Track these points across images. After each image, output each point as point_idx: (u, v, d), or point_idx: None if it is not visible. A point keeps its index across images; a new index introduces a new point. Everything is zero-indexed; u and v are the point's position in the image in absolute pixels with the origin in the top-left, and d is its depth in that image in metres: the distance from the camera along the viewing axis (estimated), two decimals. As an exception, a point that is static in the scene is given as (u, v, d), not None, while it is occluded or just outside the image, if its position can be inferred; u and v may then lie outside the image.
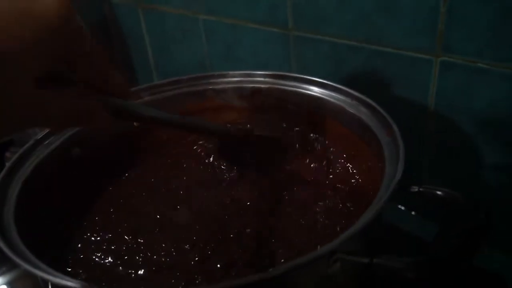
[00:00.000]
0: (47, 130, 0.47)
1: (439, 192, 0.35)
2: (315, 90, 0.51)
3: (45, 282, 0.33)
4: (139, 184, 0.52)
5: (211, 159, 0.54)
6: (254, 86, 0.55)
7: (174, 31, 0.81)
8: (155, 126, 0.54)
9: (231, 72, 0.57)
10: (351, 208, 0.43)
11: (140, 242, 0.42)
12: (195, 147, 0.57)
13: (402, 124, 0.41)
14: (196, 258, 0.39)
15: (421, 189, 0.35)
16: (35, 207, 0.40)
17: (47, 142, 0.46)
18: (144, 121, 0.40)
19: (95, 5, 0.95)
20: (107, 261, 0.41)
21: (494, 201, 0.50)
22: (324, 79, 0.52)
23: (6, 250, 0.32)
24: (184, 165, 0.55)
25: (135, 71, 0.97)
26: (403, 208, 0.54)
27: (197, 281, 0.37)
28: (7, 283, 0.54)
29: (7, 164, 0.42)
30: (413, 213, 0.54)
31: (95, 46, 0.29)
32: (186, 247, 0.41)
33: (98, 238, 0.44)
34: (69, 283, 0.30)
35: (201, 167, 0.54)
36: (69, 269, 0.40)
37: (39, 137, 0.46)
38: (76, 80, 0.29)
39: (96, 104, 0.30)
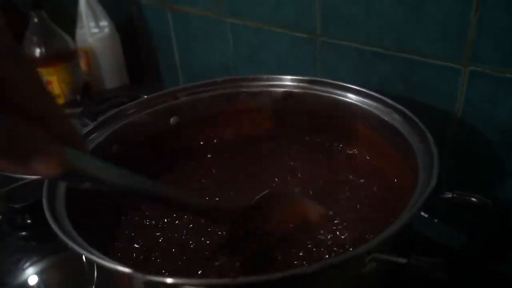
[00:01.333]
0: (91, 126, 0.49)
1: (473, 199, 0.36)
2: (348, 96, 0.52)
3: (91, 264, 0.34)
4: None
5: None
6: (286, 91, 0.56)
7: (200, 33, 0.83)
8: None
9: (265, 76, 0.58)
10: (381, 214, 0.44)
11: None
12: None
13: (429, 131, 0.42)
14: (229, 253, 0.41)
15: (454, 195, 0.36)
16: (84, 196, 0.42)
17: (90, 138, 0.48)
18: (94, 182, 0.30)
19: (123, 6, 0.97)
20: (152, 252, 0.42)
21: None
22: (356, 86, 0.52)
23: (59, 232, 0.34)
24: (213, 171, 0.55)
25: (161, 71, 0.99)
26: (426, 215, 0.55)
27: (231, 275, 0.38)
28: (38, 273, 0.55)
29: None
30: (436, 220, 0.55)
31: (32, 70, 0.24)
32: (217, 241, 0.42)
33: (143, 228, 0.45)
34: (118, 267, 0.31)
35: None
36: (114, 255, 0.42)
37: (83, 133, 0.48)
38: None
39: (44, 139, 0.24)
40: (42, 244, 0.59)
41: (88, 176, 0.28)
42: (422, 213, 0.55)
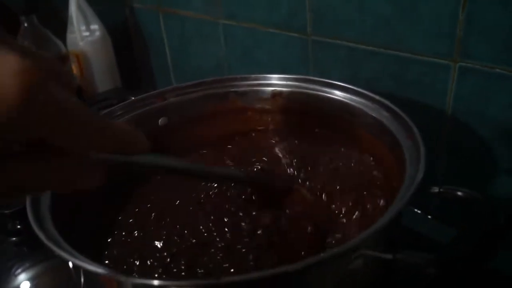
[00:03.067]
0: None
1: (459, 193, 0.36)
2: (337, 94, 0.52)
3: (78, 269, 0.34)
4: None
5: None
6: (275, 89, 0.56)
7: (193, 35, 0.83)
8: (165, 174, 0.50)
9: (253, 75, 0.58)
10: (370, 209, 0.44)
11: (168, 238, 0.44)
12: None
13: (419, 127, 0.42)
14: (220, 255, 0.40)
15: (441, 190, 0.36)
16: (69, 200, 0.41)
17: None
18: (153, 169, 0.36)
19: (116, 9, 0.97)
20: (138, 254, 0.42)
21: (509, 205, 0.51)
22: (343, 83, 0.52)
23: (44, 239, 0.33)
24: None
25: (154, 73, 0.99)
26: (419, 211, 0.55)
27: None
28: (30, 279, 0.54)
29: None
30: (429, 216, 0.55)
31: (79, 109, 0.23)
32: (208, 241, 0.42)
33: (129, 234, 0.45)
34: (101, 270, 0.31)
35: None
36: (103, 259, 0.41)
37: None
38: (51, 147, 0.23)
39: (79, 168, 0.25)
40: (34, 250, 0.59)
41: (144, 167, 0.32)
42: (416, 210, 0.55)
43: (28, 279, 0.54)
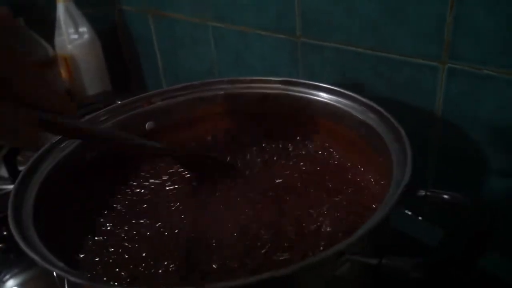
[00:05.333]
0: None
1: (446, 196, 0.35)
2: (324, 96, 0.52)
3: (61, 279, 0.34)
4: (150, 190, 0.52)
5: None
6: (263, 92, 0.56)
7: (183, 38, 0.83)
8: (94, 141, 0.50)
9: (241, 78, 0.57)
10: (359, 213, 0.44)
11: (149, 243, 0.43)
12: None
13: (409, 130, 0.42)
14: (207, 258, 0.40)
15: (428, 193, 0.36)
16: (52, 209, 0.41)
17: (62, 145, 0.47)
18: (80, 137, 0.38)
19: (105, 12, 0.97)
20: (120, 261, 0.41)
21: (500, 206, 0.50)
22: (331, 85, 0.52)
23: (26, 249, 0.33)
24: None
25: (144, 77, 0.99)
26: (410, 213, 0.55)
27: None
28: (18, 285, 0.54)
29: (25, 167, 0.43)
30: (420, 218, 0.55)
31: (21, 56, 0.27)
32: (197, 243, 0.42)
33: (112, 239, 0.44)
34: (84, 280, 0.31)
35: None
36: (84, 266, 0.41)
37: (54, 141, 0.47)
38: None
39: (15, 116, 0.28)
40: (21, 256, 0.58)
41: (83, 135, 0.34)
42: (407, 212, 0.55)
43: (17, 285, 0.54)
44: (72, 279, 0.31)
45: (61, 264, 0.33)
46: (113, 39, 0.98)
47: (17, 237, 0.35)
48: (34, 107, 0.29)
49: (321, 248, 0.39)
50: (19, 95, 0.28)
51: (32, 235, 0.36)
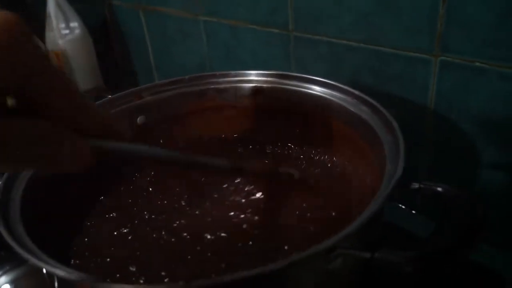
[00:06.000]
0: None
1: (439, 189, 0.35)
2: (317, 89, 0.51)
3: (51, 275, 0.33)
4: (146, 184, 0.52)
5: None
6: (255, 86, 0.56)
7: (175, 33, 0.82)
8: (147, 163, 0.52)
9: (232, 72, 0.57)
10: (351, 206, 0.44)
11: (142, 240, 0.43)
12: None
13: (401, 123, 0.42)
14: (198, 256, 0.40)
15: (421, 186, 0.36)
16: (39, 205, 0.41)
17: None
18: (136, 159, 0.37)
19: (95, 8, 0.96)
20: (111, 257, 0.41)
21: (492, 199, 0.51)
22: (324, 78, 0.52)
23: (14, 245, 0.33)
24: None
25: (136, 73, 0.98)
26: (403, 207, 0.55)
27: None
28: (10, 282, 0.54)
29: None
30: (413, 212, 0.55)
31: (59, 73, 0.25)
32: (188, 242, 0.42)
33: (103, 235, 0.44)
34: (74, 276, 0.30)
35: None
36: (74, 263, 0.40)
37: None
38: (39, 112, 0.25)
39: (69, 138, 0.26)
40: (13, 253, 0.58)
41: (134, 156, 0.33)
42: (400, 205, 0.55)
43: (8, 282, 0.54)
44: (62, 274, 0.31)
45: (50, 260, 0.32)
46: (104, 35, 0.97)
47: (5, 234, 0.34)
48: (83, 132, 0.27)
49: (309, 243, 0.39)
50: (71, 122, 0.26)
51: (20, 232, 0.35)
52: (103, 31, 0.97)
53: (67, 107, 0.25)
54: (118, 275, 0.38)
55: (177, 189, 0.51)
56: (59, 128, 0.25)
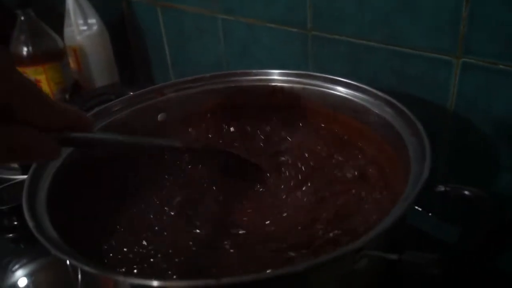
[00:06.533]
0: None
1: (466, 192, 0.35)
2: (339, 90, 0.51)
3: (75, 268, 0.33)
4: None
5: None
6: (276, 85, 0.56)
7: (192, 30, 0.82)
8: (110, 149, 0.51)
9: (254, 71, 0.57)
10: (374, 208, 0.44)
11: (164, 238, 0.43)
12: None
13: (422, 124, 0.41)
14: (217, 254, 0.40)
15: (447, 189, 0.35)
16: (65, 199, 0.41)
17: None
18: (96, 146, 0.40)
19: (113, 4, 0.96)
20: (135, 253, 0.41)
21: (510, 202, 0.50)
22: (347, 79, 0.52)
23: (41, 238, 0.33)
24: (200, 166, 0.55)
25: (152, 69, 0.98)
26: (420, 209, 0.54)
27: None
28: (27, 275, 0.54)
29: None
30: (430, 214, 0.54)
31: (36, 88, 0.30)
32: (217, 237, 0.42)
33: (127, 229, 0.45)
34: (98, 270, 0.31)
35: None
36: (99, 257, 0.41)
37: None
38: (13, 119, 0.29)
39: (37, 139, 0.30)
40: (31, 246, 0.58)
41: (94, 143, 0.36)
42: (417, 207, 0.54)
43: (25, 276, 0.54)
44: (86, 268, 0.31)
45: (75, 253, 0.33)
46: (121, 31, 0.98)
47: (32, 226, 0.34)
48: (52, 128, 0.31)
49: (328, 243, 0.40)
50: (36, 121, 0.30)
51: (46, 225, 0.36)
52: (120, 28, 0.97)
53: (37, 112, 0.30)
54: (143, 270, 0.38)
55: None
56: (28, 129, 0.29)
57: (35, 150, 0.30)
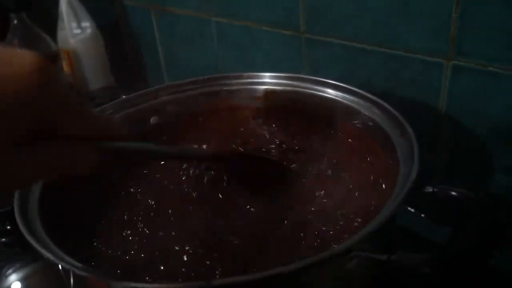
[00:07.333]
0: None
1: (453, 193, 0.35)
2: (329, 92, 0.52)
3: (68, 272, 0.34)
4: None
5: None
6: (268, 88, 0.56)
7: (186, 33, 0.82)
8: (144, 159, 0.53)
9: (245, 74, 0.57)
10: (364, 209, 0.44)
11: (158, 237, 0.43)
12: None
13: (415, 126, 0.42)
14: (215, 255, 0.40)
15: (435, 189, 0.36)
16: (57, 204, 0.41)
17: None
18: (133, 156, 0.40)
19: (107, 7, 0.96)
20: (127, 256, 0.42)
21: (507, 203, 0.50)
22: (336, 81, 0.52)
23: (33, 242, 0.33)
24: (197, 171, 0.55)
25: (146, 72, 0.98)
26: (413, 210, 0.55)
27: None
28: (21, 280, 0.55)
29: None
30: (422, 215, 0.55)
31: (77, 101, 0.28)
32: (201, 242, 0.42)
33: (119, 233, 0.44)
34: (90, 274, 0.31)
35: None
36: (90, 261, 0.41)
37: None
38: (57, 134, 0.28)
39: (80, 153, 0.29)
40: (24, 250, 0.58)
41: (130, 153, 0.36)
42: (409, 208, 0.55)
43: (19, 280, 0.54)
44: (79, 272, 0.31)
45: (67, 258, 0.33)
46: (115, 34, 0.98)
47: (24, 231, 0.35)
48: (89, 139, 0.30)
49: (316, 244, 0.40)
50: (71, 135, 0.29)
51: (38, 229, 0.36)
52: (114, 31, 0.97)
53: (80, 125, 0.29)
54: (135, 273, 0.38)
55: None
56: (70, 142, 0.28)
57: (80, 163, 0.29)
